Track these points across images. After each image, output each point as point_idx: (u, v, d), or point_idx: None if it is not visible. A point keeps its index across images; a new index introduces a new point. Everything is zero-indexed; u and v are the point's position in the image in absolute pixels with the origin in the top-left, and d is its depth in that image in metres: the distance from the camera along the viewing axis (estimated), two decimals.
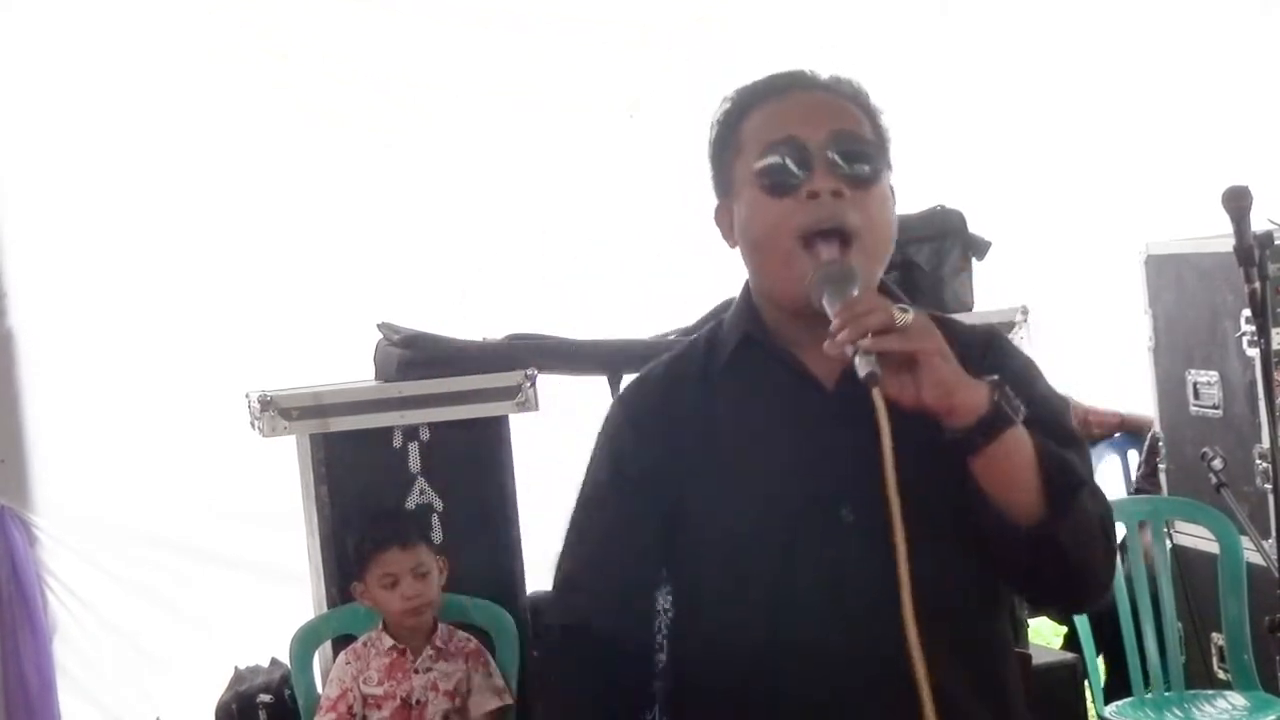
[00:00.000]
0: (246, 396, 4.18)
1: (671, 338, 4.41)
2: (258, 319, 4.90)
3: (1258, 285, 3.25)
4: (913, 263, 4.49)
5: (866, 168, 2.03)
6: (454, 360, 4.17)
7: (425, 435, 4.09)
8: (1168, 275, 5.05)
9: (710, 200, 2.19)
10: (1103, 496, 2.04)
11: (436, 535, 4.06)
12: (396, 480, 4.07)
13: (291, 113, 5.01)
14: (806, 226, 2.00)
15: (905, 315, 1.88)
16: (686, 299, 4.64)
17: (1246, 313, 4.56)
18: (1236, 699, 4.53)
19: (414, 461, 4.08)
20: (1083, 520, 1.96)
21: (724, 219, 2.13)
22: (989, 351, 2.06)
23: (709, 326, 2.21)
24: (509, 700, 3.94)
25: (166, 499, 4.90)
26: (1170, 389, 5.06)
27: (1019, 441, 1.92)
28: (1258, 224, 4.14)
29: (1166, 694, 4.61)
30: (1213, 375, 4.82)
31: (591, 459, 2.20)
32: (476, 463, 4.13)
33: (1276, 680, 4.56)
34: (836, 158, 2.02)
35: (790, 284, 2.01)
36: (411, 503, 4.08)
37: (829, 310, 1.93)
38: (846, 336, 1.88)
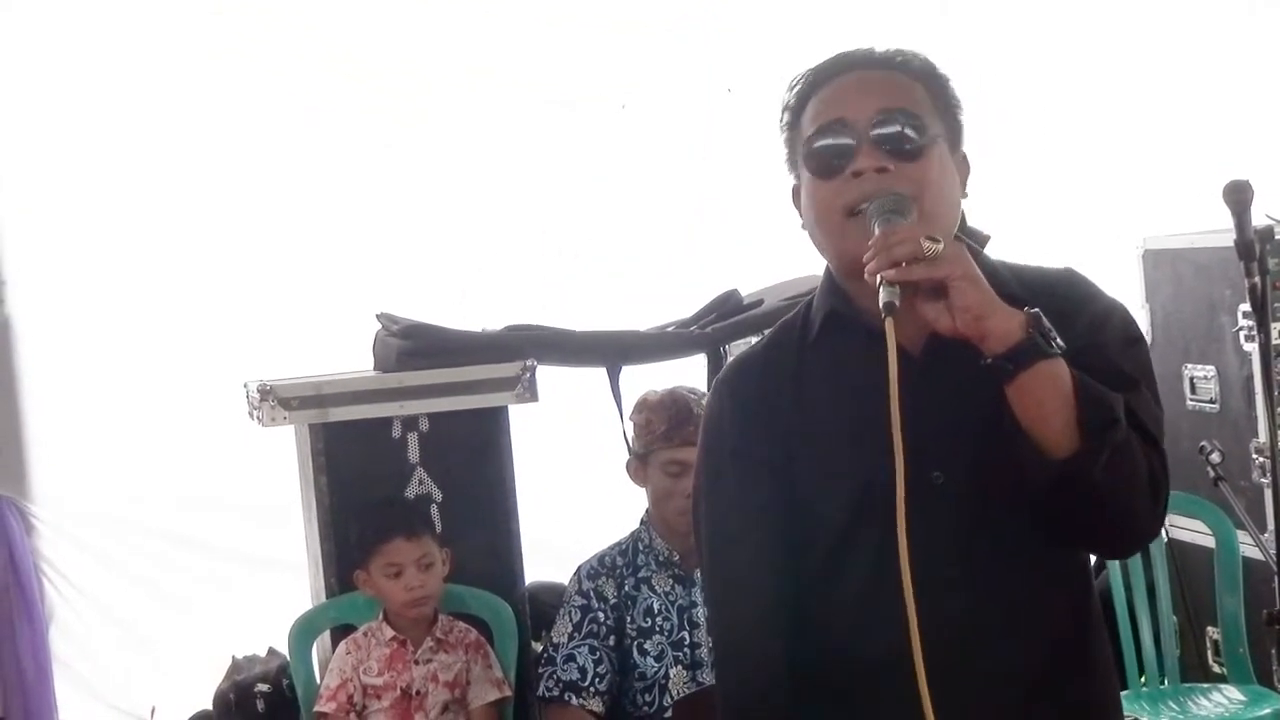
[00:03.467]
0: (245, 386, 4.17)
1: (670, 329, 4.42)
2: (257, 309, 4.90)
3: (1258, 280, 3.21)
4: None
5: (912, 141, 2.06)
6: (453, 351, 4.16)
7: (424, 425, 4.08)
8: (1164, 270, 5.05)
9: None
10: (1161, 451, 2.04)
11: (436, 526, 4.04)
12: (396, 471, 4.06)
13: (289, 105, 5.00)
14: (850, 204, 2.04)
15: (935, 244, 1.91)
16: (685, 290, 4.65)
17: (1244, 307, 4.61)
18: (1232, 692, 4.53)
19: (413, 452, 4.08)
20: (1121, 461, 1.97)
21: (796, 199, 2.18)
22: (1066, 292, 2.07)
23: (801, 305, 2.24)
24: (508, 692, 3.93)
25: (164, 488, 4.91)
26: (1167, 384, 5.03)
27: (1054, 373, 1.93)
28: (1258, 219, 4.16)
29: (1162, 687, 4.61)
30: (1209, 370, 4.83)
31: (707, 451, 2.23)
32: (476, 453, 4.11)
33: (1272, 674, 4.58)
34: (880, 135, 2.06)
35: (848, 258, 2.04)
36: (411, 493, 4.07)
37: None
38: (873, 267, 1.92)
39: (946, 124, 2.13)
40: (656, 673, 3.79)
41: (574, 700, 3.76)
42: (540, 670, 3.87)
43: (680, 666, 3.78)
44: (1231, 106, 5.66)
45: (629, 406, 4.07)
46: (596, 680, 3.77)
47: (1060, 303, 2.05)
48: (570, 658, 3.79)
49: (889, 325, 1.90)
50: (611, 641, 3.81)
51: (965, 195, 2.16)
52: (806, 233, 2.16)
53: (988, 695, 2.00)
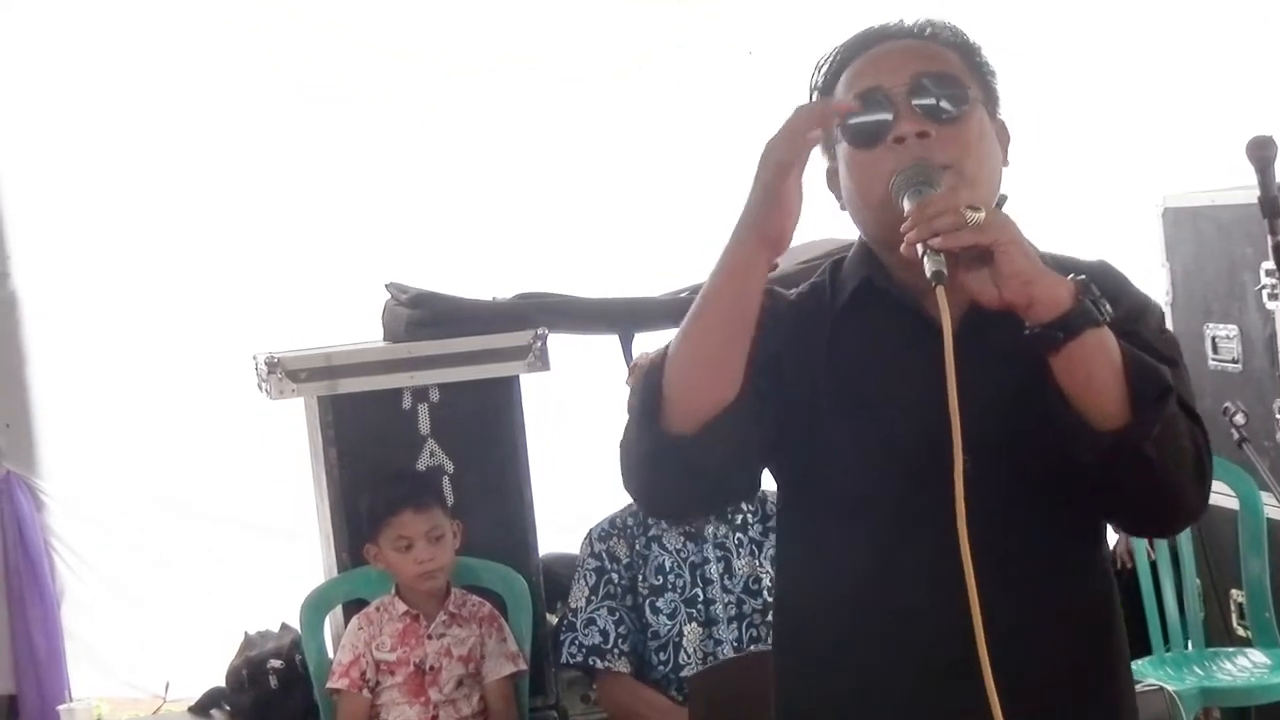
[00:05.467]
0: (254, 358, 4.15)
1: (684, 295, 4.37)
2: (264, 280, 4.86)
3: None
4: None
5: (951, 103, 2.01)
6: (463, 320, 4.13)
7: (435, 396, 4.05)
8: (1185, 228, 4.99)
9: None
10: (1203, 429, 1.99)
11: (448, 498, 4.02)
12: (406, 442, 4.04)
13: (297, 77, 4.97)
14: (895, 170, 1.97)
15: (976, 213, 1.85)
16: (699, 254, 4.53)
17: (1267, 265, 4.54)
18: (1257, 656, 4.49)
19: (424, 423, 4.05)
20: (1170, 434, 1.91)
21: (833, 181, 2.11)
22: (1098, 279, 1.97)
23: (826, 266, 2.16)
24: (523, 665, 3.91)
25: (174, 463, 4.88)
26: (1188, 343, 4.96)
27: (1103, 342, 1.87)
28: None
29: (1186, 651, 4.57)
30: (1232, 329, 4.77)
31: None
32: (487, 424, 4.09)
33: None
34: (919, 99, 2.01)
35: (891, 230, 1.95)
36: (422, 465, 4.05)
37: (906, 211, 1.91)
38: (915, 236, 1.85)
39: (983, 90, 2.08)
40: (670, 630, 3.79)
41: (599, 664, 3.78)
42: (561, 637, 3.87)
43: (695, 624, 3.78)
44: (1250, 61, 5.60)
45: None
46: (620, 640, 3.79)
47: (1105, 289, 1.97)
48: (590, 621, 3.80)
49: (940, 294, 1.83)
50: (629, 601, 3.82)
51: (1006, 163, 2.09)
52: (847, 213, 2.08)
53: (1019, 692, 1.88)
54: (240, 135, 4.90)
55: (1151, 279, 5.06)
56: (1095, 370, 1.87)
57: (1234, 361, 4.76)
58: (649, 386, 1.99)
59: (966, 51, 2.09)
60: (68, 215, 4.87)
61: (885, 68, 2.04)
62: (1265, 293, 4.56)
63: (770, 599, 3.73)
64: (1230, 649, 4.61)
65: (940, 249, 1.83)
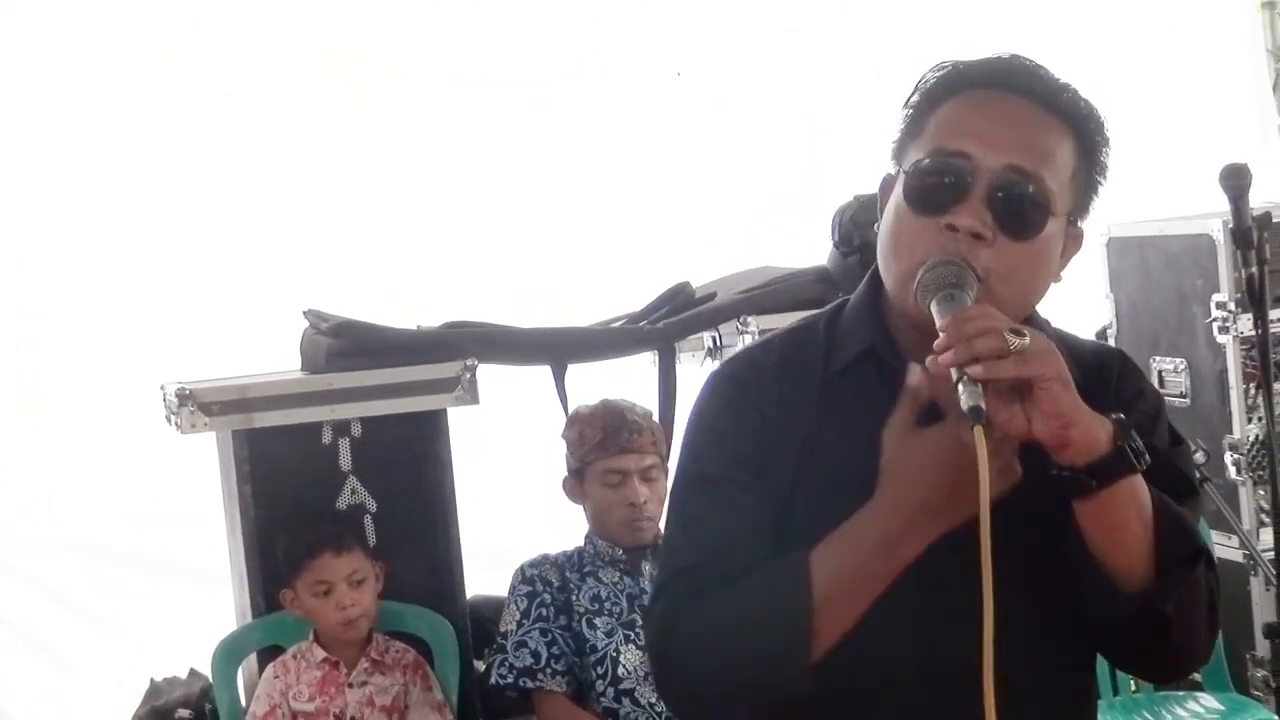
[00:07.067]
0: (163, 389, 4.01)
1: (619, 325, 4.34)
2: (175, 306, 4.78)
3: (1255, 270, 3.06)
4: (872, 245, 4.30)
5: (1027, 217, 1.79)
6: (387, 350, 4.01)
7: (357, 431, 3.93)
8: (1131, 258, 4.92)
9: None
10: (1214, 568, 1.85)
11: (370, 538, 3.90)
12: (326, 479, 3.91)
13: (204, 91, 4.89)
14: (930, 255, 1.78)
15: (1022, 339, 1.67)
16: (631, 284, 4.55)
17: (1218, 297, 4.49)
18: (1209, 701, 4.39)
19: (345, 459, 3.92)
20: (1193, 592, 1.78)
21: (885, 192, 1.92)
22: (1118, 380, 1.86)
23: (829, 310, 1.98)
24: (449, 717, 3.80)
25: (77, 499, 4.78)
26: None
27: (1136, 492, 1.72)
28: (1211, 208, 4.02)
29: (1135, 695, 4.45)
30: (1180, 363, 4.69)
31: (694, 440, 1.95)
32: (412, 460, 3.98)
33: (1248, 680, 4.43)
34: (995, 196, 1.79)
35: (903, 305, 1.80)
36: (343, 503, 3.92)
37: (937, 320, 1.73)
38: (951, 360, 1.68)
39: (1078, 195, 1.86)
40: (608, 645, 3.71)
41: (530, 684, 3.68)
42: (490, 659, 3.78)
43: (632, 645, 3.70)
44: (1196, 93, 5.59)
45: (574, 407, 3.99)
46: (553, 660, 3.70)
47: (1114, 389, 1.87)
48: (521, 644, 3.72)
49: (979, 435, 1.64)
50: (562, 621, 3.74)
51: (1058, 279, 1.88)
52: (878, 236, 1.91)
53: None
54: (143, 150, 4.82)
55: (1094, 310, 5.00)
56: (1125, 522, 1.73)
57: (1182, 396, 4.67)
58: (796, 611, 1.78)
59: (1089, 141, 1.86)
60: None
61: (987, 132, 1.81)
62: (1216, 326, 4.50)
63: None
64: (1180, 693, 4.50)
65: (978, 379, 1.66)
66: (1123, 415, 1.72)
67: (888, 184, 1.90)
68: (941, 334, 1.69)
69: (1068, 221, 1.85)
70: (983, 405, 1.64)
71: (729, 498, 1.86)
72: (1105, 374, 1.84)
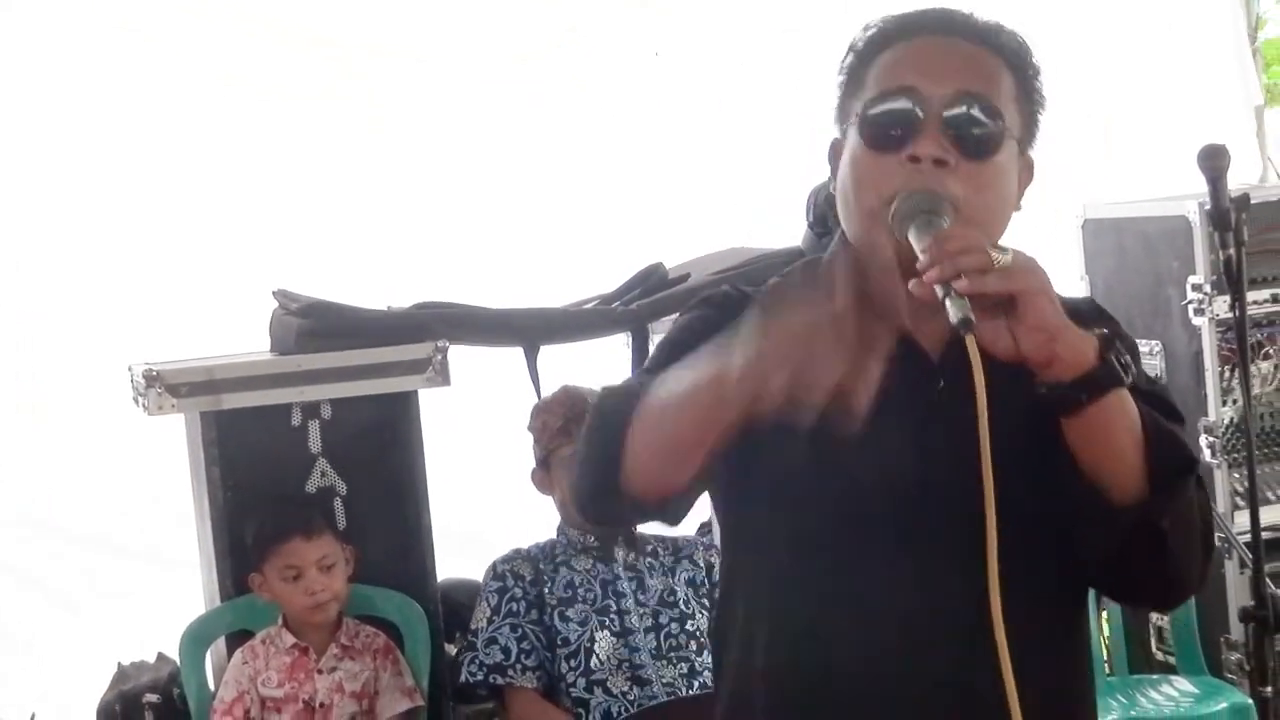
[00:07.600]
0: (130, 370, 3.96)
1: (591, 306, 4.30)
2: (142, 286, 4.71)
3: (1233, 252, 3.03)
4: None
5: (983, 137, 1.82)
6: (358, 331, 3.97)
7: (327, 413, 3.88)
8: (1106, 239, 4.90)
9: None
10: (1206, 494, 1.84)
11: (340, 521, 3.86)
12: (296, 461, 3.87)
13: (171, 73, 4.82)
14: (900, 189, 1.79)
15: (1004, 255, 1.69)
16: (606, 261, 4.53)
17: (1194, 279, 4.48)
18: (1183, 684, 4.38)
19: (314, 441, 3.88)
20: (1187, 507, 1.76)
21: (835, 157, 1.93)
22: (1092, 321, 1.82)
23: (798, 267, 1.97)
24: (420, 701, 3.76)
25: (43, 481, 4.72)
26: None
27: (1124, 407, 1.71)
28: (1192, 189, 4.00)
29: (1109, 678, 4.43)
30: (1155, 345, 4.68)
31: (652, 355, 1.96)
32: (383, 442, 3.93)
33: (1222, 664, 4.42)
34: (952, 117, 1.81)
35: (869, 248, 1.80)
36: (312, 486, 3.87)
37: (916, 246, 1.73)
38: (937, 275, 1.68)
39: (1025, 123, 1.88)
40: (581, 636, 3.68)
41: (500, 680, 3.65)
42: (460, 657, 3.75)
43: (607, 631, 3.68)
44: (1170, 76, 5.57)
45: (547, 390, 3.96)
46: (524, 656, 3.66)
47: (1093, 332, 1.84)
48: (491, 640, 3.68)
49: (971, 343, 1.65)
50: (534, 616, 3.70)
51: (1018, 208, 1.90)
52: (836, 194, 1.91)
53: None
54: (109, 130, 4.74)
55: (1070, 292, 4.98)
56: (1114, 436, 1.72)
57: (1157, 378, 4.64)
58: (611, 437, 1.79)
59: (1025, 74, 1.89)
60: None
61: (930, 68, 1.84)
62: (1192, 308, 4.49)
63: (686, 609, 3.70)
64: (1154, 676, 4.49)
65: (964, 293, 1.66)
66: (1106, 330, 1.72)
67: (836, 147, 1.92)
68: (922, 256, 1.70)
69: (1019, 151, 1.87)
70: (971, 316, 1.65)
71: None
72: (1081, 318, 1.81)
